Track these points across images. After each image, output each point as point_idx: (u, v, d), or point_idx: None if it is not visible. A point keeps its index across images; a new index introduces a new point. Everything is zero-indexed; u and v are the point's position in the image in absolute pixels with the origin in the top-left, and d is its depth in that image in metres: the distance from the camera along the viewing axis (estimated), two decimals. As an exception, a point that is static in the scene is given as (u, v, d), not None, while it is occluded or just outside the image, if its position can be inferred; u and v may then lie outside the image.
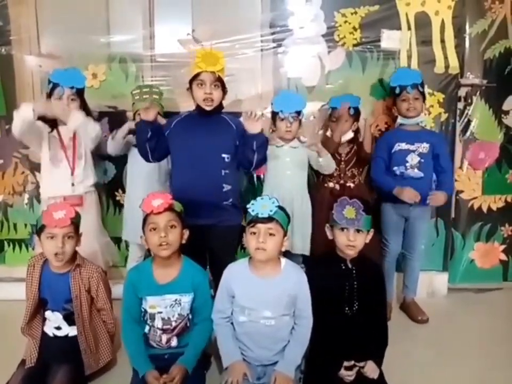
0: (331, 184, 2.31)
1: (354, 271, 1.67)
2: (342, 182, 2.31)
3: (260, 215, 1.53)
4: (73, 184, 2.10)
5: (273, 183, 2.20)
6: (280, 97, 2.22)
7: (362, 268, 1.68)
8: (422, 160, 2.20)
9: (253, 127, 1.80)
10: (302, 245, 2.17)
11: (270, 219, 1.53)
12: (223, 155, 1.87)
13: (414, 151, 2.21)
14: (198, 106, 1.89)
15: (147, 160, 1.93)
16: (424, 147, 2.21)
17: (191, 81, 1.86)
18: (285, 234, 1.59)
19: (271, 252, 1.55)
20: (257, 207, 1.55)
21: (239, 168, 1.97)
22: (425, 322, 2.28)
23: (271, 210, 1.53)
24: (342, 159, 2.33)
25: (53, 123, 2.11)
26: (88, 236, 1.87)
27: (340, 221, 1.62)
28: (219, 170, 1.86)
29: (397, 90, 2.22)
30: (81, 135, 2.12)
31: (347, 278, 1.66)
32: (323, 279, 1.64)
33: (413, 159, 2.20)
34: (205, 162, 1.84)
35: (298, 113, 2.16)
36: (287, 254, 2.06)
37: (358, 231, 1.62)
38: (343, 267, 1.68)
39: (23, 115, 1.95)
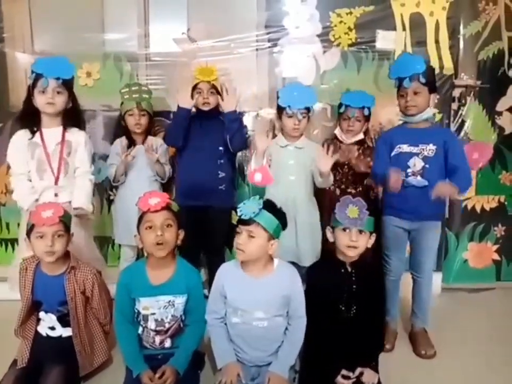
0: (331, 188, 2.15)
1: (353, 275, 1.65)
2: (343, 186, 2.16)
3: (242, 217, 1.51)
4: (56, 195, 1.89)
5: (275, 190, 1.98)
6: (288, 90, 2.00)
7: (361, 272, 1.65)
8: (427, 166, 1.85)
9: (228, 104, 2.09)
10: (311, 257, 1.98)
11: (250, 221, 1.50)
12: (220, 148, 2.18)
13: (417, 154, 1.86)
14: (198, 110, 2.18)
15: (177, 145, 2.21)
16: (430, 149, 1.86)
17: (192, 91, 2.13)
18: (271, 238, 1.53)
19: (249, 254, 1.53)
20: (244, 208, 1.53)
21: (233, 157, 2.26)
22: (430, 358, 1.95)
23: (253, 213, 1.49)
24: (345, 162, 2.17)
25: (36, 124, 1.87)
26: (73, 251, 1.76)
27: (343, 220, 1.57)
28: (216, 160, 2.18)
29: (396, 84, 1.91)
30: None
31: (346, 281, 1.64)
32: (322, 282, 1.62)
33: (415, 164, 1.86)
34: (204, 154, 2.16)
35: (308, 109, 1.99)
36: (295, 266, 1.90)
37: (361, 231, 1.59)
38: (342, 270, 1.66)
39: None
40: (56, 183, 1.90)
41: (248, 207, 1.52)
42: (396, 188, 1.81)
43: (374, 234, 1.63)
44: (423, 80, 1.84)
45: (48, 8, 2.42)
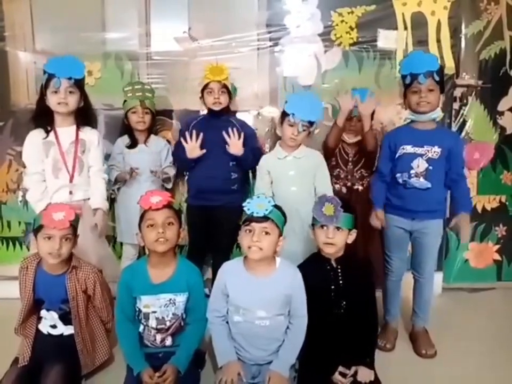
0: (337, 187, 2.14)
1: (339, 271, 1.67)
2: (349, 184, 2.15)
3: (255, 214, 1.52)
4: (71, 192, 1.91)
5: (278, 203, 1.93)
6: (297, 98, 1.98)
7: (348, 267, 1.68)
8: (431, 167, 1.83)
9: (234, 149, 2.08)
10: None
11: (265, 218, 1.53)
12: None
13: (421, 156, 1.84)
14: (209, 110, 2.19)
15: (186, 170, 2.31)
16: (434, 151, 1.83)
17: (202, 90, 2.16)
18: (280, 234, 1.59)
19: (266, 250, 1.55)
20: (253, 206, 1.54)
21: None
22: (430, 357, 1.97)
23: (266, 210, 1.53)
24: (350, 159, 2.16)
25: (50, 124, 1.90)
26: (85, 248, 1.78)
27: (319, 218, 1.62)
28: (228, 162, 2.17)
29: (408, 80, 1.84)
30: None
31: (332, 277, 1.66)
32: (309, 280, 1.63)
33: (419, 166, 1.84)
34: (217, 156, 2.14)
35: (311, 123, 1.96)
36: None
37: (338, 228, 1.62)
38: (328, 267, 1.68)
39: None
40: (71, 181, 1.92)
41: (259, 205, 1.54)
42: (377, 225, 1.96)
43: (354, 230, 1.66)
44: (437, 78, 1.82)
45: (49, 7, 2.42)
